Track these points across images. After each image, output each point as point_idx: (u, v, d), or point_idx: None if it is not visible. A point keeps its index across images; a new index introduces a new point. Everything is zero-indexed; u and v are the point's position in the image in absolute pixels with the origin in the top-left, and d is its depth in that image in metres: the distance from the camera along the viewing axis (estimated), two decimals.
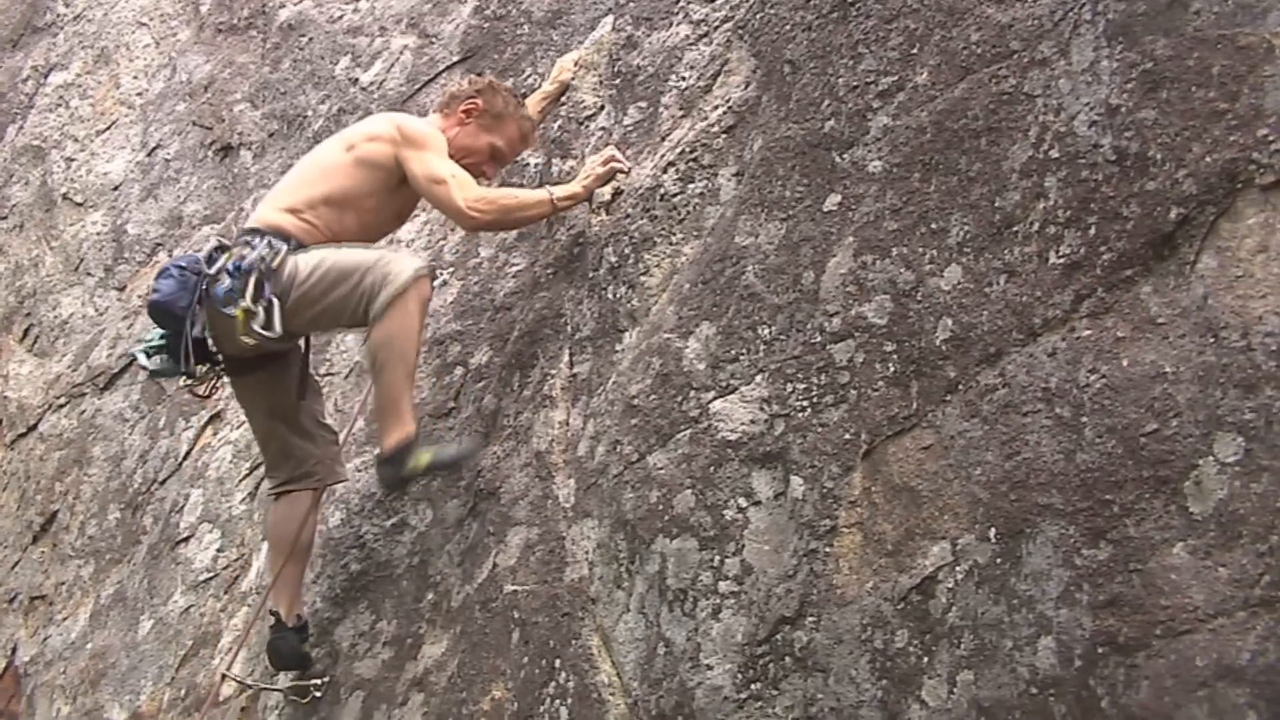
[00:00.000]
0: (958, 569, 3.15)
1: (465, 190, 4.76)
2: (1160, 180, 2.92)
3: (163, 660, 6.10)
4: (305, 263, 4.79)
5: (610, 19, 5.44)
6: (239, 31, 8.54)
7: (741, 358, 3.92)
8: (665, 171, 4.59)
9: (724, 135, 4.45)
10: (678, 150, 4.60)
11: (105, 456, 7.42)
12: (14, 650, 7.25)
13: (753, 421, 3.81)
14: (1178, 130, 2.91)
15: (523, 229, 5.28)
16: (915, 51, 3.73)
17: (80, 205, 8.87)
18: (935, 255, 3.44)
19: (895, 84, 3.77)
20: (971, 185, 3.40)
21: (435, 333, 5.50)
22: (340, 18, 7.69)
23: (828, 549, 3.48)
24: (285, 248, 4.80)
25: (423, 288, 4.74)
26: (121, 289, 8.22)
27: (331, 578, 5.32)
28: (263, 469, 5.71)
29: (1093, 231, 3.04)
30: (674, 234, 4.49)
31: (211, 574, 6.14)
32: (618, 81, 5.17)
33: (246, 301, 4.68)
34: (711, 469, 3.85)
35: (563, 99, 5.48)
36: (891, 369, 3.48)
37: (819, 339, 3.70)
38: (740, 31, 4.58)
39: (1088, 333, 3.00)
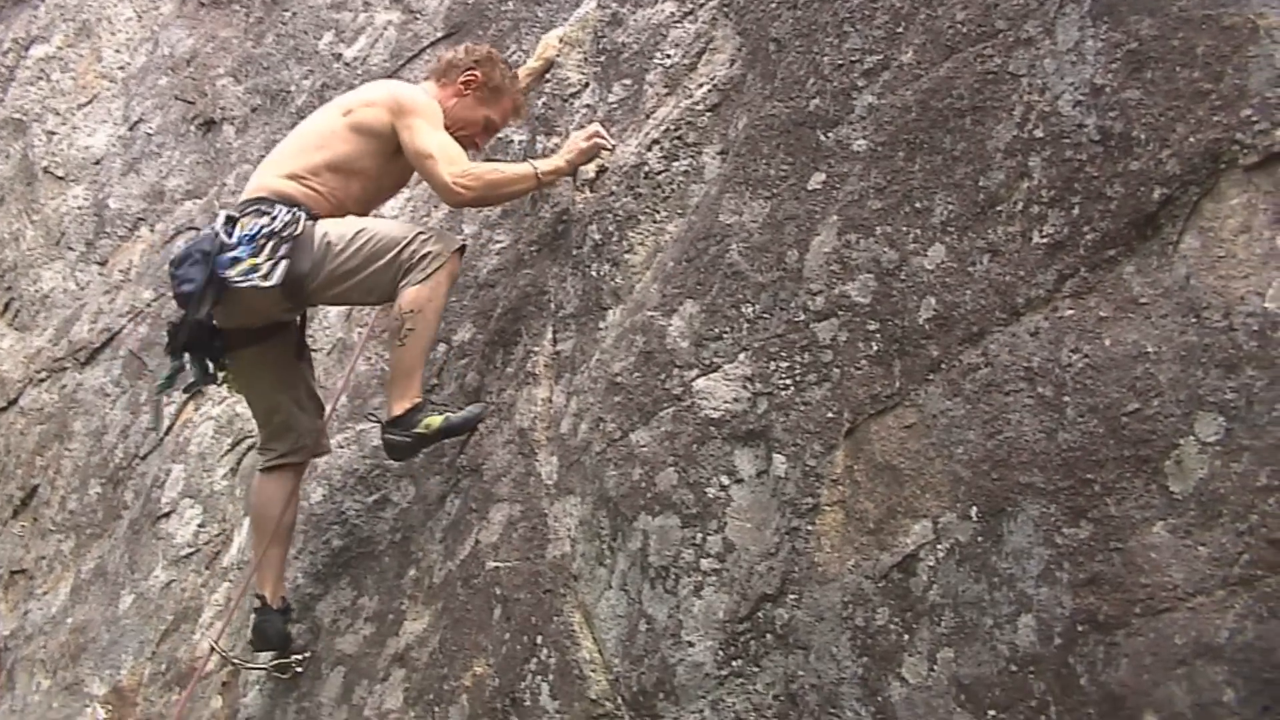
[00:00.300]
0: (939, 547, 3.16)
1: (452, 165, 4.76)
2: (1144, 160, 2.92)
3: (143, 635, 6.10)
4: (337, 234, 4.79)
5: None
6: (222, 5, 8.50)
7: (725, 336, 3.92)
8: (650, 149, 4.58)
9: (709, 113, 4.45)
10: (662, 128, 4.59)
11: (86, 431, 7.41)
12: None
13: (735, 399, 3.81)
14: (1162, 110, 2.91)
15: (507, 205, 5.27)
16: (900, 30, 3.73)
17: (61, 179, 8.83)
18: (919, 234, 3.44)
19: (880, 63, 3.76)
20: (956, 164, 3.40)
21: None
22: None
23: (810, 527, 3.49)
24: (304, 214, 4.80)
25: (455, 265, 4.89)
26: (103, 263, 8.19)
27: (313, 554, 5.32)
28: (248, 444, 5.71)
29: (1076, 211, 3.04)
30: (658, 212, 4.49)
31: (193, 549, 6.14)
32: (602, 59, 5.16)
33: (256, 259, 4.67)
34: (694, 447, 3.85)
35: (547, 76, 5.46)
36: (874, 348, 3.48)
37: (802, 317, 3.70)
38: (725, 9, 4.57)
39: (1070, 312, 3.01)
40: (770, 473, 3.64)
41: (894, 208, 3.54)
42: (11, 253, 8.82)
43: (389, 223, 4.95)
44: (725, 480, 3.74)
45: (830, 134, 3.84)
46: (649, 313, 4.22)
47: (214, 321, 4.82)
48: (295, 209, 4.80)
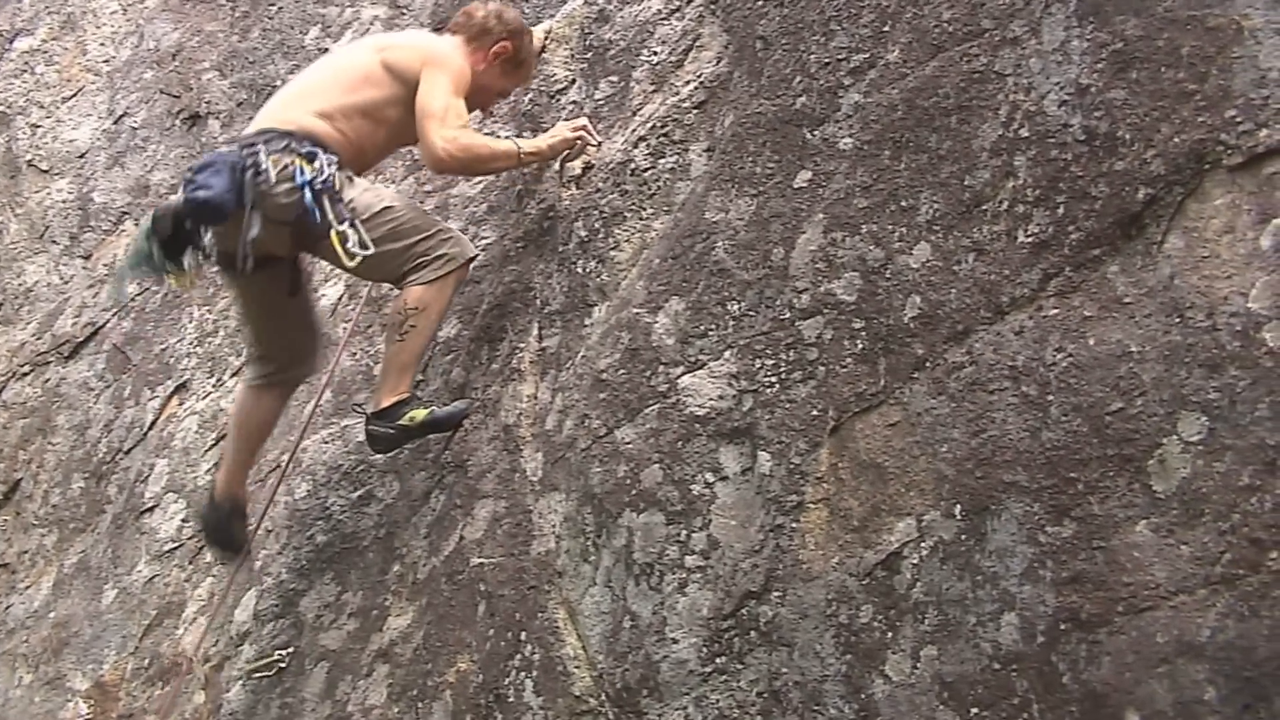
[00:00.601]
0: (923, 545, 3.17)
1: (444, 129, 4.73)
2: (1129, 160, 2.93)
3: (126, 630, 6.08)
4: (364, 202, 4.76)
5: None
6: None
7: (710, 333, 3.93)
8: (636, 146, 4.58)
9: (695, 110, 4.45)
10: (649, 125, 4.59)
11: (69, 425, 7.38)
12: None
13: (721, 397, 3.81)
14: (1147, 110, 2.92)
15: (494, 201, 5.27)
16: (887, 29, 3.74)
17: (46, 172, 8.80)
18: (905, 233, 3.45)
19: (867, 61, 3.77)
20: (941, 163, 3.41)
21: None
22: None
23: (794, 524, 3.50)
24: (336, 163, 4.75)
25: (465, 272, 4.90)
26: (87, 257, 8.16)
27: (297, 549, 5.32)
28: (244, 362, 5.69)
29: (1061, 211, 3.05)
30: (644, 209, 4.49)
31: (176, 544, 6.12)
32: (589, 55, 5.16)
33: (337, 224, 4.62)
34: (679, 444, 3.86)
35: (534, 72, 5.45)
36: (860, 346, 3.49)
37: (788, 315, 3.70)
38: (713, 7, 4.57)
39: (1055, 311, 3.02)
40: (755, 470, 3.65)
41: (880, 206, 3.54)
42: None
43: (416, 208, 4.93)
44: (710, 477, 3.75)
45: (816, 132, 3.85)
46: (635, 310, 4.22)
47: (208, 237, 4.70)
48: (330, 154, 4.75)
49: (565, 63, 5.34)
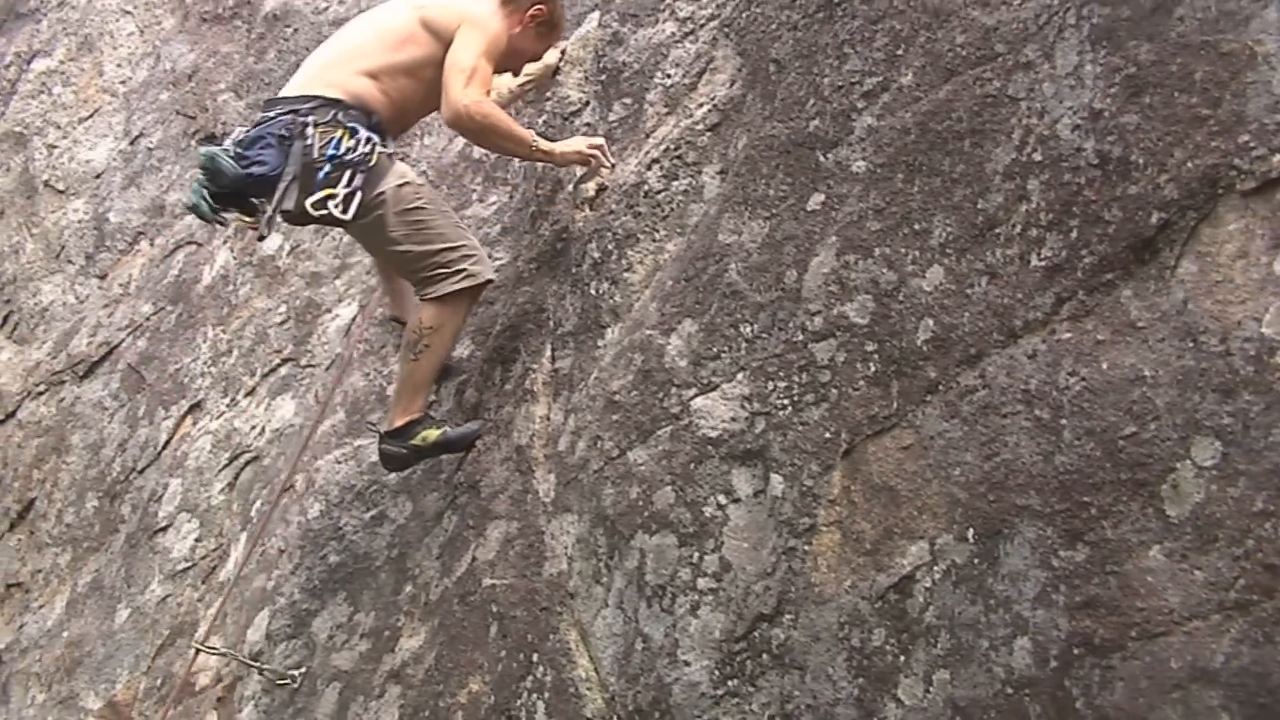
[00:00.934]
0: (935, 568, 3.16)
1: (470, 89, 4.73)
2: (1142, 185, 2.93)
3: (139, 649, 6.09)
4: (402, 195, 4.78)
5: (596, 15, 5.44)
6: (224, 21, 8.52)
7: (723, 355, 3.93)
8: (649, 168, 4.59)
9: (708, 133, 4.46)
10: (662, 147, 4.60)
11: (84, 444, 7.41)
12: None
13: (733, 419, 3.82)
14: (1160, 135, 2.92)
15: (507, 220, 5.28)
16: (900, 53, 3.74)
17: (62, 192, 8.84)
18: (917, 256, 3.45)
19: (880, 85, 3.77)
20: (954, 187, 3.41)
21: None
22: (326, 9, 7.67)
23: (806, 547, 3.49)
24: (378, 142, 4.78)
25: (480, 292, 4.94)
26: (102, 277, 8.20)
27: (310, 569, 5.32)
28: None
29: (1074, 235, 3.05)
30: (657, 231, 4.50)
31: (189, 564, 6.13)
32: (603, 77, 5.17)
33: (334, 189, 4.64)
34: (692, 466, 3.86)
35: (548, 94, 5.48)
36: (872, 368, 3.49)
37: (801, 338, 3.70)
38: (726, 30, 4.58)
39: (1068, 335, 3.01)
40: (767, 492, 3.64)
41: (893, 229, 3.55)
42: (11, 266, 8.82)
43: (448, 215, 4.92)
44: (722, 499, 3.75)
45: (830, 155, 3.85)
46: (647, 331, 4.22)
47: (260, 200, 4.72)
48: (373, 132, 4.78)
49: (579, 85, 5.36)
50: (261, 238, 4.74)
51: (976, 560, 3.07)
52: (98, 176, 8.72)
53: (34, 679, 6.67)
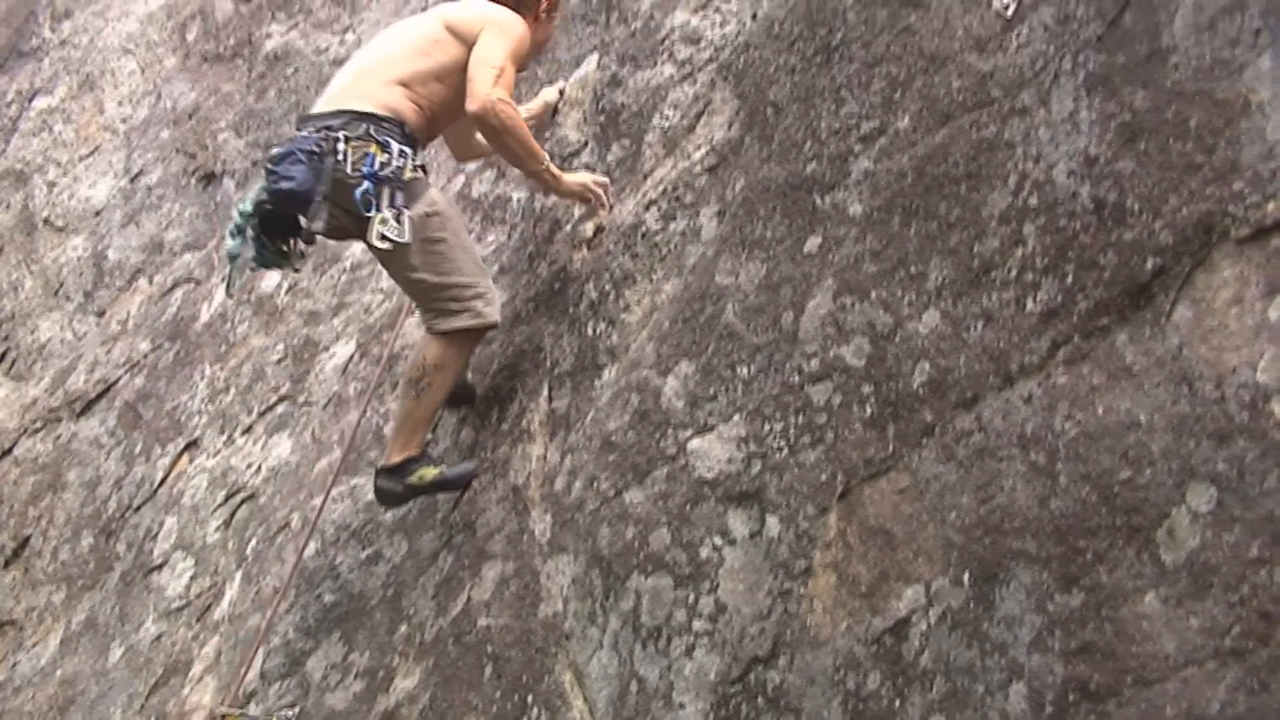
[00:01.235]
0: (931, 612, 3.16)
1: (498, 88, 4.73)
2: (1137, 230, 2.94)
3: (132, 688, 6.06)
4: (428, 223, 4.75)
5: (595, 56, 5.47)
6: (225, 60, 8.56)
7: (720, 396, 3.93)
8: (647, 209, 4.61)
9: (706, 175, 4.47)
10: (660, 188, 4.62)
11: (80, 482, 7.39)
12: None
13: (730, 460, 3.82)
14: (1155, 181, 2.94)
15: (504, 261, 5.29)
16: (897, 97, 3.76)
17: (61, 230, 8.86)
18: (914, 299, 3.46)
19: (877, 128, 3.79)
20: (951, 231, 3.42)
21: None
22: (326, 49, 7.71)
23: (802, 589, 3.49)
24: (410, 155, 4.77)
25: (485, 334, 4.94)
26: (101, 314, 8.21)
27: (305, 608, 5.30)
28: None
29: (1070, 280, 3.06)
30: (655, 271, 4.51)
31: (184, 602, 6.11)
32: (602, 118, 5.19)
33: (383, 210, 4.62)
34: (688, 507, 3.86)
35: (547, 134, 5.50)
36: (869, 411, 3.49)
37: (797, 379, 3.71)
38: (724, 73, 4.61)
39: (1064, 380, 3.02)
40: (763, 534, 3.64)
41: (889, 272, 3.56)
42: (10, 302, 8.83)
43: (470, 251, 4.90)
44: (718, 541, 3.75)
45: (827, 198, 3.87)
46: (644, 372, 4.23)
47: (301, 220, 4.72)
48: (405, 144, 4.77)
49: (578, 125, 5.39)
50: (301, 255, 4.72)
51: (972, 604, 3.06)
52: (97, 214, 8.74)
53: (26, 718, 6.63)
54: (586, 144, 5.27)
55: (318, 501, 5.52)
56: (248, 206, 4.78)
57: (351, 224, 4.72)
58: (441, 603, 4.72)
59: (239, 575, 5.75)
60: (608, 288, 4.64)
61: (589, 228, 4.93)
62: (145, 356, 7.53)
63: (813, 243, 3.86)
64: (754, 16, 4.56)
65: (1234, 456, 2.64)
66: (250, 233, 4.79)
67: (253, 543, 5.94)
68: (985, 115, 3.44)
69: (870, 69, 3.89)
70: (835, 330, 3.65)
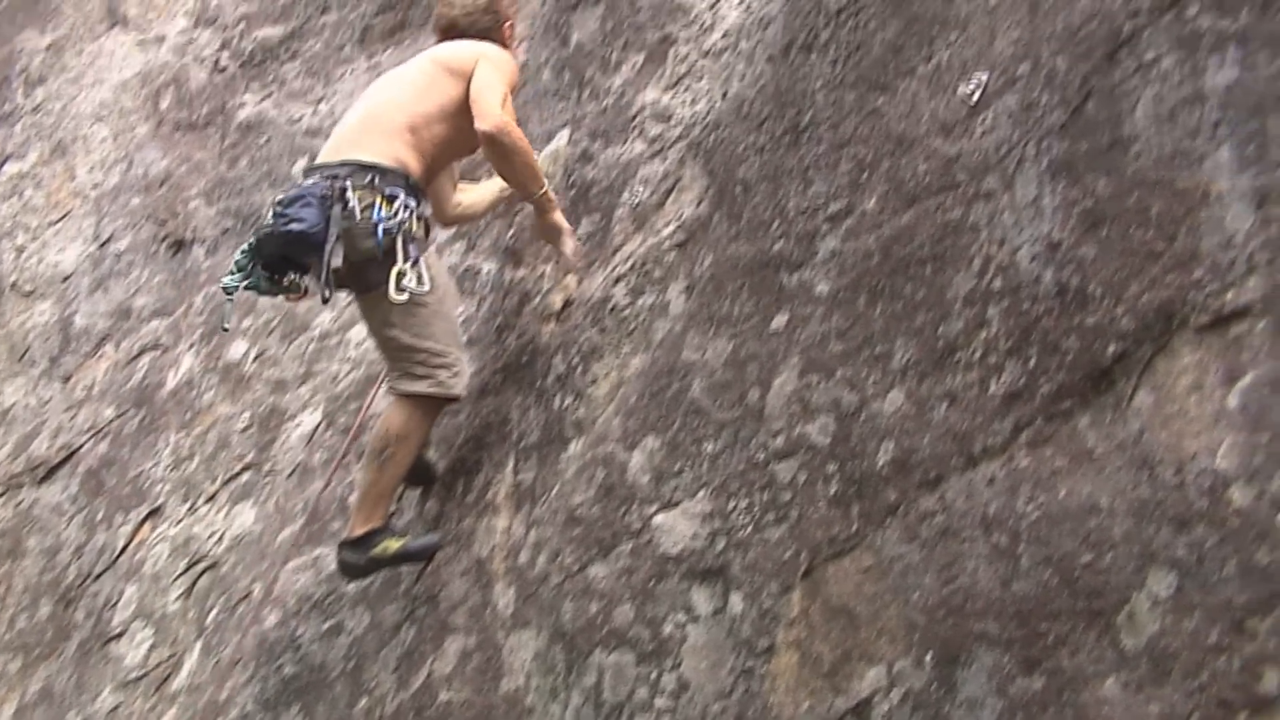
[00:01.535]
0: (893, 693, 3.15)
1: (505, 112, 4.81)
2: (1099, 316, 2.97)
3: None
4: (418, 283, 4.75)
5: (567, 131, 5.51)
6: (197, 129, 8.59)
7: (685, 472, 3.94)
8: (616, 284, 4.63)
9: (675, 250, 4.50)
10: (629, 263, 4.64)
11: (40, 549, 7.33)
12: None
13: (694, 536, 3.81)
14: (1117, 267, 2.97)
15: (472, 332, 5.30)
16: (864, 178, 3.80)
17: (29, 295, 8.84)
18: (879, 378, 3.48)
19: (844, 209, 3.83)
20: (916, 311, 3.45)
21: None
22: (299, 119, 7.75)
23: (764, 668, 3.48)
24: (414, 207, 4.79)
25: (447, 405, 4.95)
26: (66, 379, 8.17)
27: (264, 680, 5.25)
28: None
29: (1033, 363, 3.09)
30: (622, 346, 4.52)
31: (142, 672, 6.05)
32: (572, 193, 5.23)
33: (401, 264, 4.67)
34: (651, 582, 3.85)
35: (518, 206, 5.52)
36: (833, 489, 3.50)
37: (762, 456, 3.72)
38: (694, 150, 4.65)
39: (1026, 462, 3.04)
40: (726, 611, 3.63)
41: (855, 351, 3.58)
42: None
43: (451, 321, 4.95)
44: (681, 618, 3.74)
45: (794, 276, 3.90)
46: (610, 446, 4.23)
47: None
48: (410, 195, 4.79)
49: None
50: (325, 300, 4.72)
51: (934, 686, 3.06)
52: (66, 279, 8.72)
53: None
54: None
55: (277, 571, 5.49)
56: (248, 248, 4.79)
57: (349, 274, 4.73)
58: (403, 676, 4.68)
59: (199, 645, 5.69)
60: (575, 361, 4.65)
61: (557, 301, 4.95)
62: (110, 423, 7.50)
63: (779, 320, 3.88)
64: (724, 95, 4.61)
65: (1194, 542, 2.65)
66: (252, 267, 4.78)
67: (213, 612, 5.89)
68: (951, 198, 3.47)
69: (838, 150, 3.93)
70: (801, 408, 3.66)
